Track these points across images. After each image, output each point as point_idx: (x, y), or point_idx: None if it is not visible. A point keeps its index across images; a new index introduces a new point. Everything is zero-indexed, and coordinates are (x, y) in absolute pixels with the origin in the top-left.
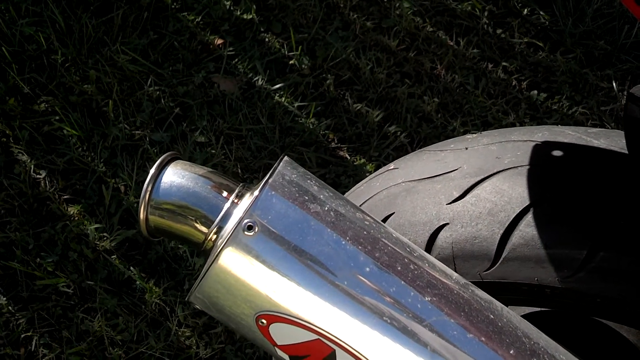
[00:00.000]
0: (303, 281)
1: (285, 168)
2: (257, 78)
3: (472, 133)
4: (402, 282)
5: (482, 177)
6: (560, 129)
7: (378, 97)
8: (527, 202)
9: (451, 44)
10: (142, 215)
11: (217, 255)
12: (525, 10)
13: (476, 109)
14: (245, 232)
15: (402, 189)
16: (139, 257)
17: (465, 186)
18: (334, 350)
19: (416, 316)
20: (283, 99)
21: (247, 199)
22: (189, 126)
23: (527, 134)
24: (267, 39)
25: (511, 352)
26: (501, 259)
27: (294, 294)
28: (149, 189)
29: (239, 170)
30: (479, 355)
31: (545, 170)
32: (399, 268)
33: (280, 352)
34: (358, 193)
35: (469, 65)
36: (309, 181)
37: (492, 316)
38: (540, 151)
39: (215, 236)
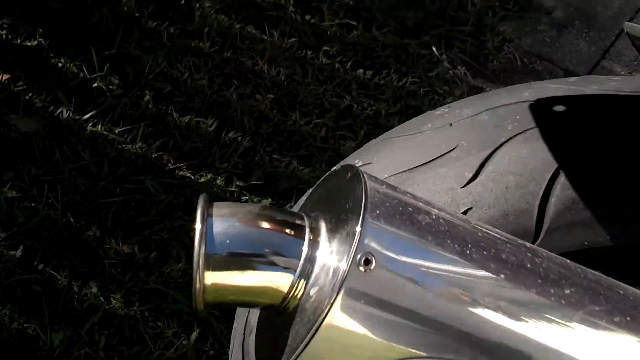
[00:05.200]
0: (438, 312)
1: (370, 180)
2: (61, 110)
3: (440, 108)
4: (539, 280)
5: (491, 149)
6: (542, 84)
7: (206, 105)
8: (555, 165)
9: (266, 37)
10: (198, 285)
11: (326, 309)
12: None
13: (310, 97)
14: (361, 268)
15: (394, 184)
16: None
17: (476, 163)
18: None
19: (566, 314)
20: (100, 127)
21: (345, 230)
22: None
23: (511, 95)
24: (62, 65)
25: None
26: (544, 230)
27: (429, 329)
28: (202, 249)
29: (71, 219)
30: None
31: (558, 128)
32: (529, 266)
33: None
34: None
35: (289, 55)
36: (396, 190)
37: (622, 292)
38: (540, 110)
39: (303, 288)
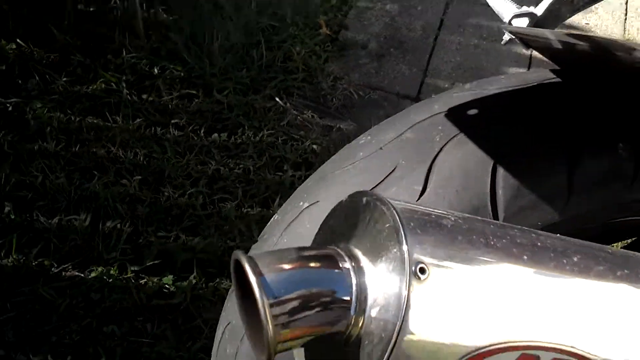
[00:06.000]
0: (492, 300)
1: (391, 199)
2: None
3: (361, 137)
4: (552, 254)
5: (430, 161)
6: (445, 95)
7: (73, 202)
8: (491, 161)
9: (110, 124)
10: (270, 335)
11: (399, 324)
12: (156, 69)
13: (176, 170)
14: (418, 277)
15: None
16: None
17: (422, 177)
18: (538, 356)
19: (583, 277)
20: None
21: (387, 249)
22: None
23: (423, 111)
24: None
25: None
26: (501, 220)
27: (483, 320)
28: (264, 300)
29: None
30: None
31: (479, 129)
32: (539, 244)
33: None
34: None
35: (140, 135)
36: (413, 204)
37: (610, 251)
38: (456, 117)
39: (363, 313)
